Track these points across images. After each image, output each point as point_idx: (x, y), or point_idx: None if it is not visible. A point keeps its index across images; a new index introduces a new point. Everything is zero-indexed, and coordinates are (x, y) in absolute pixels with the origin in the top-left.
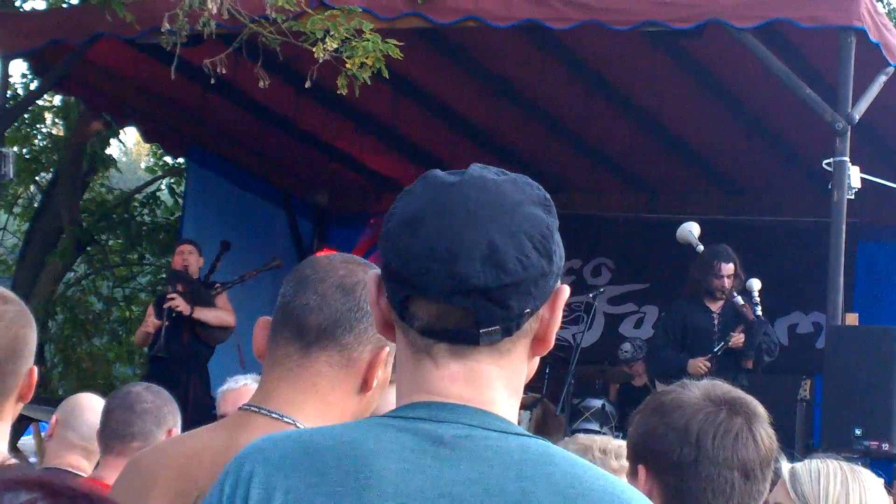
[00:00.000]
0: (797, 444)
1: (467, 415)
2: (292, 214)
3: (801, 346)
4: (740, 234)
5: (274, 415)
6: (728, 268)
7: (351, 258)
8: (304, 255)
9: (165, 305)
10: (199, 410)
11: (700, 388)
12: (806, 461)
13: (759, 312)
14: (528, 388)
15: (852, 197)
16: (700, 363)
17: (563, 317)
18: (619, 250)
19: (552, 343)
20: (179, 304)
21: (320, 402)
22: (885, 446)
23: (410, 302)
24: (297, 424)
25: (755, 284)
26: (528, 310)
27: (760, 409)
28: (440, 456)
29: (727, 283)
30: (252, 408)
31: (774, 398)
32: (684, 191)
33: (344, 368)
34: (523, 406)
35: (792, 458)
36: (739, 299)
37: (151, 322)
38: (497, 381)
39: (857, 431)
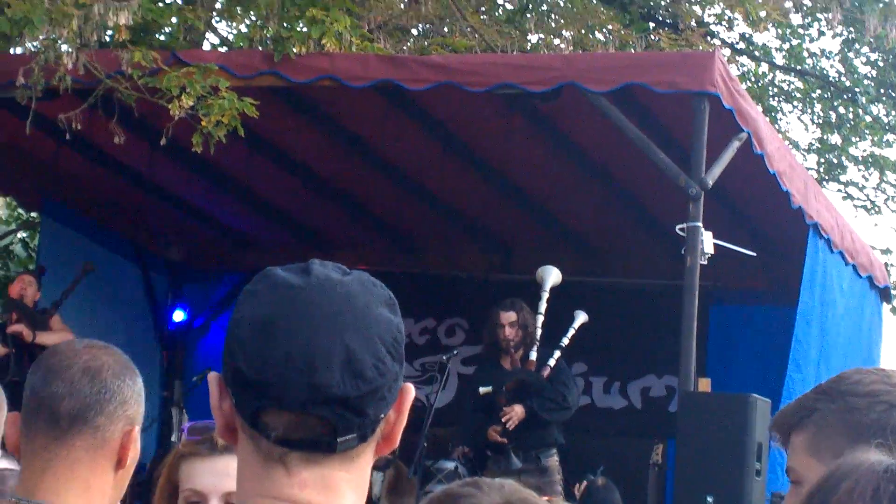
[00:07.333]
0: None
1: None
2: (146, 269)
3: (654, 409)
4: (594, 295)
5: None
6: (507, 316)
7: (92, 343)
8: (158, 309)
9: (8, 331)
10: None
11: (498, 492)
12: None
13: (553, 361)
14: None
15: (705, 262)
16: (493, 433)
17: (418, 377)
18: (474, 310)
19: (397, 442)
20: (21, 329)
21: (81, 487)
22: None
23: (263, 412)
24: None
25: (578, 317)
26: (382, 415)
27: None
28: None
29: (508, 331)
30: (21, 501)
31: (627, 462)
32: (539, 251)
33: (100, 450)
34: (376, 467)
35: None
36: (534, 355)
37: None
38: (346, 486)
39: (709, 499)
